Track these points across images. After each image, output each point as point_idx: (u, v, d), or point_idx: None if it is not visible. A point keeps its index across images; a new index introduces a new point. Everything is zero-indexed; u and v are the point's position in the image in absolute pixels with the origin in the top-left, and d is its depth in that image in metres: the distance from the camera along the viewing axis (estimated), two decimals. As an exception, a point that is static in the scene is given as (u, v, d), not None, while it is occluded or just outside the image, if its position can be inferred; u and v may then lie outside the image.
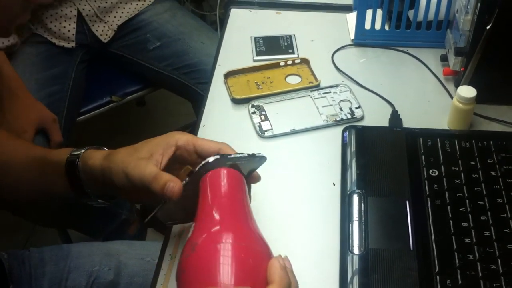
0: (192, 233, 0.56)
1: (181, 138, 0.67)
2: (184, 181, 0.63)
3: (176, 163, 0.68)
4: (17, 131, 1.21)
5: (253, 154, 0.63)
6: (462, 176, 0.76)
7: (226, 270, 0.51)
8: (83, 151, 0.71)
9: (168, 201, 0.63)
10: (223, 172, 0.61)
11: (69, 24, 1.38)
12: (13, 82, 1.24)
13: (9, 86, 1.23)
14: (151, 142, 0.67)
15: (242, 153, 0.63)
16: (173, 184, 0.61)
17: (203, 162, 0.61)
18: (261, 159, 0.65)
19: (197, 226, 0.57)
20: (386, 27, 1.03)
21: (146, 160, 0.64)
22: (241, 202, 0.60)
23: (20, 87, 1.25)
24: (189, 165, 0.68)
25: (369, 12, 1.01)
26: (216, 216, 0.57)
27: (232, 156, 0.62)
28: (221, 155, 0.61)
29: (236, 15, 1.14)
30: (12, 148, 0.78)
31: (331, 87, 0.94)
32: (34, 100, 1.27)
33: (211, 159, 0.61)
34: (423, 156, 0.79)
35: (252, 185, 0.67)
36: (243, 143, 0.86)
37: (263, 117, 0.89)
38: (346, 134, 0.84)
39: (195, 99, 1.48)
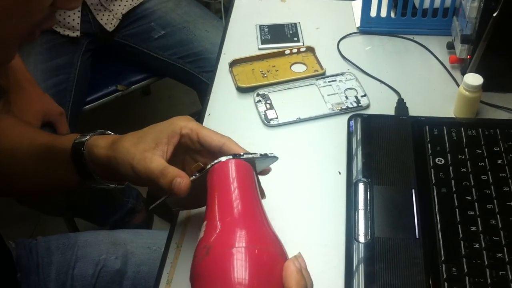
0: (204, 233, 0.55)
1: (185, 126, 0.66)
2: (193, 177, 0.62)
3: (180, 149, 0.67)
4: None
5: (265, 154, 0.62)
6: (469, 164, 0.75)
7: (241, 276, 0.50)
8: (87, 137, 0.71)
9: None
10: (231, 164, 0.59)
11: (74, 13, 1.37)
12: (21, 74, 1.24)
13: (16, 78, 1.22)
14: (155, 129, 0.66)
15: (255, 153, 0.62)
16: (181, 180, 0.61)
17: (215, 161, 0.60)
18: (272, 159, 0.64)
19: (208, 225, 0.56)
20: (392, 15, 1.02)
21: (152, 151, 0.63)
22: (253, 196, 0.59)
23: (28, 80, 1.25)
24: (194, 155, 0.68)
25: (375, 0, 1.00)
26: (228, 214, 0.56)
27: (245, 156, 0.61)
28: (233, 155, 0.60)
29: (241, 3, 1.13)
30: (19, 135, 0.78)
31: (336, 75, 0.94)
32: (42, 93, 1.26)
33: (223, 158, 0.60)
34: (429, 145, 0.78)
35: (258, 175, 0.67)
36: (249, 131, 0.86)
37: (268, 105, 0.89)
38: (352, 122, 0.84)
39: (200, 88, 1.48)
